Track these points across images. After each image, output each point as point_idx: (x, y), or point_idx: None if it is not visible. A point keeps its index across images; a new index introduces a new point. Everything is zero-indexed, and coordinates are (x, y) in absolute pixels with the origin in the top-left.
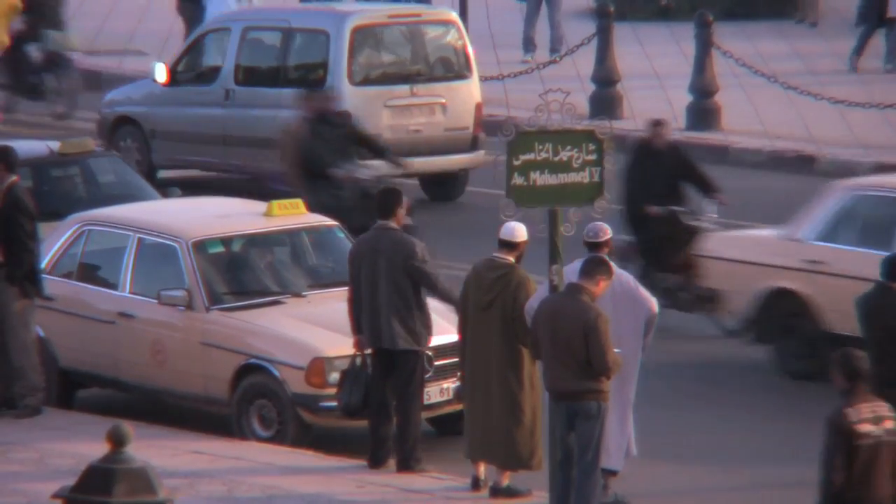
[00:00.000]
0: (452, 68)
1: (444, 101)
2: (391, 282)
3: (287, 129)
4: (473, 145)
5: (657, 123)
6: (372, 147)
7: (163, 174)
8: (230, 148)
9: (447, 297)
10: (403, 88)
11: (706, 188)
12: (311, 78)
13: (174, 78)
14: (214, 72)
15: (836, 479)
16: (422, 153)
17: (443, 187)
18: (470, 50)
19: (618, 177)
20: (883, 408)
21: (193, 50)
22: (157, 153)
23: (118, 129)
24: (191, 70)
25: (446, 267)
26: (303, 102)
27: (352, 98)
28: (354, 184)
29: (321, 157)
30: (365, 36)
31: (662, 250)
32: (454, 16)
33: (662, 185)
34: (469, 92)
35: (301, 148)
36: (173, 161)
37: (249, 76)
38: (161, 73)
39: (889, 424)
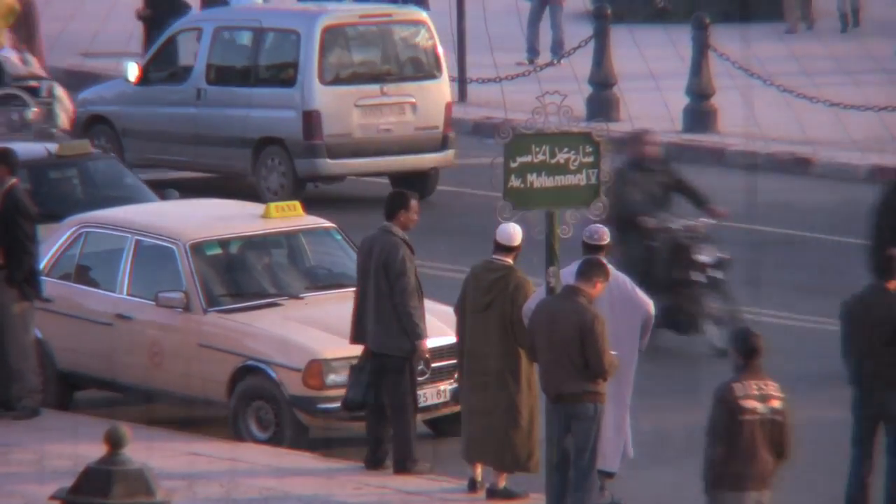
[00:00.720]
0: (423, 68)
1: (414, 100)
2: (377, 284)
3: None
4: (444, 144)
5: None
6: (691, 195)
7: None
8: (202, 147)
9: (409, 318)
10: (374, 88)
11: None
12: (282, 77)
13: (146, 77)
14: (186, 71)
15: (719, 451)
16: (392, 152)
17: (413, 186)
18: (440, 50)
19: (869, 216)
20: (772, 387)
21: (165, 49)
22: (129, 152)
23: (91, 128)
24: (163, 69)
25: (418, 265)
26: (627, 146)
27: (322, 97)
28: (666, 234)
29: (633, 204)
30: (335, 36)
31: None
32: (424, 16)
33: None
34: (439, 91)
35: (613, 195)
36: (145, 160)
37: (221, 75)
38: (133, 73)
39: (775, 404)
